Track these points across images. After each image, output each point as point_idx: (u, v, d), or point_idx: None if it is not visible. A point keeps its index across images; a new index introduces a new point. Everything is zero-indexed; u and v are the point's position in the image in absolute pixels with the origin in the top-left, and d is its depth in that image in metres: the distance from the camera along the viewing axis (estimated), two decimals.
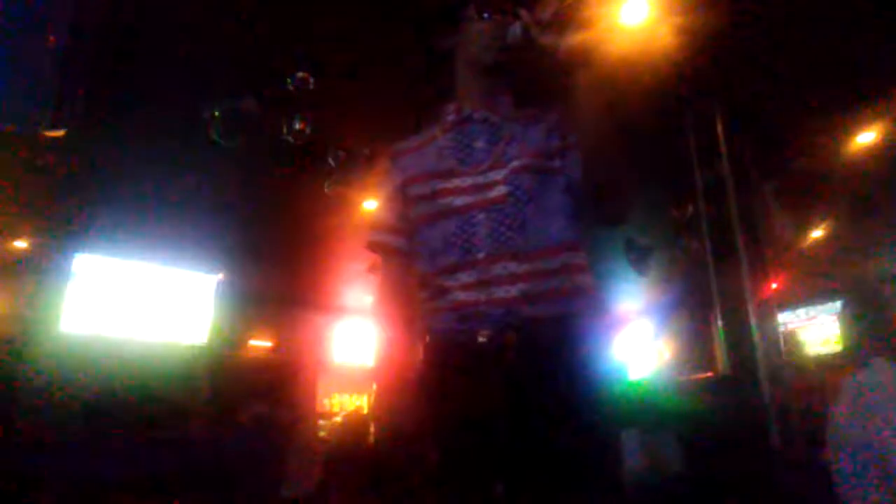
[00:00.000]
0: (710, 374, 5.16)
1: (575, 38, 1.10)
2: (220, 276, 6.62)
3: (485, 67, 1.27)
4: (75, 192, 5.08)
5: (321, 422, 7.10)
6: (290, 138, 3.76)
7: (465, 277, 1.15)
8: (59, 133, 3.19)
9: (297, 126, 3.96)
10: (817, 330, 7.70)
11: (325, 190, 4.14)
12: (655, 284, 7.19)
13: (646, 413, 4.41)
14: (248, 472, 4.39)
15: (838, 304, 7.14)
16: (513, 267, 1.13)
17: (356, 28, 3.56)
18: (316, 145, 3.98)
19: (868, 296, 1.82)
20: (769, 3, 3.63)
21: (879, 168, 5.22)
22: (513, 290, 1.12)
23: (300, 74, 3.55)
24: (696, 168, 4.26)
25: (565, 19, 1.11)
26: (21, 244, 5.95)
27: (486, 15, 1.25)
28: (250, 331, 7.50)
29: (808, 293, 7.37)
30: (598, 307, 1.21)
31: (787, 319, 7.50)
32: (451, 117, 1.28)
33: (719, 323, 4.06)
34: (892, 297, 1.78)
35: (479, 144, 1.23)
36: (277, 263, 6.43)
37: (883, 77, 4.23)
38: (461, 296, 1.15)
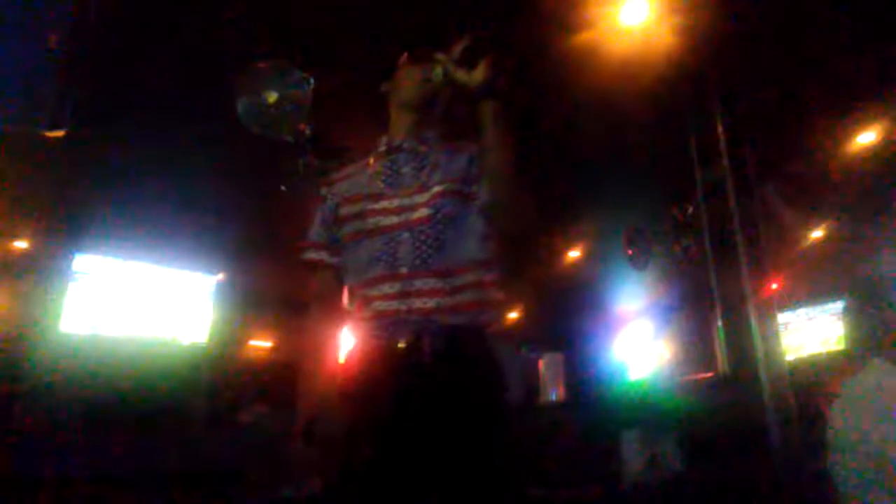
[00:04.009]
0: (710, 374, 5.17)
1: (480, 73, 1.26)
2: (220, 276, 6.62)
3: (412, 105, 1.45)
4: (75, 192, 5.09)
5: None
6: (289, 138, 3.75)
7: (388, 289, 1.29)
8: (59, 133, 3.18)
9: (298, 126, 3.94)
10: (817, 330, 7.70)
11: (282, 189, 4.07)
12: (655, 284, 7.20)
13: (646, 413, 4.42)
14: (248, 472, 4.40)
15: (838, 304, 7.14)
16: (432, 282, 1.27)
17: (361, 25, 3.57)
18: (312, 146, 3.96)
19: (868, 295, 1.81)
20: (769, 4, 3.63)
21: (880, 168, 5.22)
22: (430, 303, 1.26)
23: (261, 70, 3.53)
24: (696, 168, 4.26)
25: (473, 56, 1.27)
26: (21, 244, 5.95)
27: (415, 62, 1.44)
28: (250, 331, 7.51)
29: (808, 293, 7.37)
30: (503, 317, 1.37)
31: (787, 319, 7.50)
32: (382, 147, 1.44)
33: (719, 323, 4.06)
34: (892, 296, 1.78)
35: (406, 170, 1.39)
36: (277, 263, 6.43)
37: (883, 77, 4.23)
38: (384, 305, 1.28)
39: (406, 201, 1.34)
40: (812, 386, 4.15)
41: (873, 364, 1.70)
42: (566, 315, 7.58)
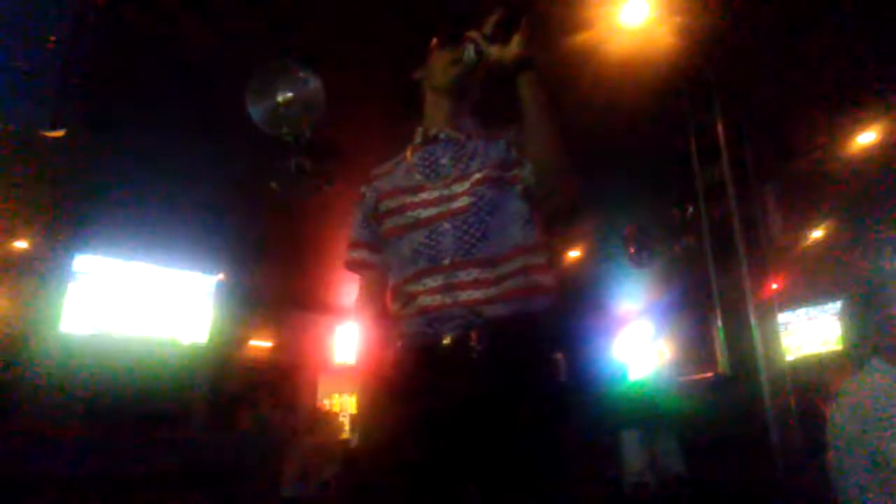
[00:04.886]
0: (710, 374, 5.16)
1: (515, 46, 1.22)
2: (220, 276, 6.62)
3: (447, 90, 1.40)
4: (75, 192, 5.09)
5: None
6: (289, 138, 3.75)
7: (431, 283, 1.24)
8: (59, 133, 3.18)
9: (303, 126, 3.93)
10: (817, 330, 7.70)
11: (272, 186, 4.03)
12: (655, 284, 7.19)
13: (646, 413, 4.41)
14: (248, 472, 4.40)
15: (838, 304, 7.15)
16: (476, 273, 1.22)
17: (361, 25, 3.57)
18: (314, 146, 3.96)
19: (868, 295, 1.81)
20: (769, 4, 3.63)
21: (879, 168, 5.22)
22: (477, 294, 1.21)
23: (300, 74, 3.53)
24: (696, 168, 4.26)
25: (505, 30, 1.23)
26: (21, 244, 5.95)
27: (446, 45, 1.39)
28: (250, 331, 7.51)
29: (808, 293, 7.37)
30: (557, 302, 1.29)
31: (787, 319, 7.50)
32: (418, 139, 1.40)
33: (719, 323, 4.06)
34: (892, 296, 1.78)
35: (444, 161, 1.34)
36: (277, 263, 6.43)
37: (883, 77, 4.23)
38: (428, 300, 1.24)
39: (445, 192, 1.29)
40: (812, 386, 4.15)
41: (873, 364, 1.70)
42: (566, 315, 7.58)
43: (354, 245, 1.43)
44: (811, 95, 4.37)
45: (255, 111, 3.41)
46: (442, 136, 1.37)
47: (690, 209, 4.77)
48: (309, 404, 7.47)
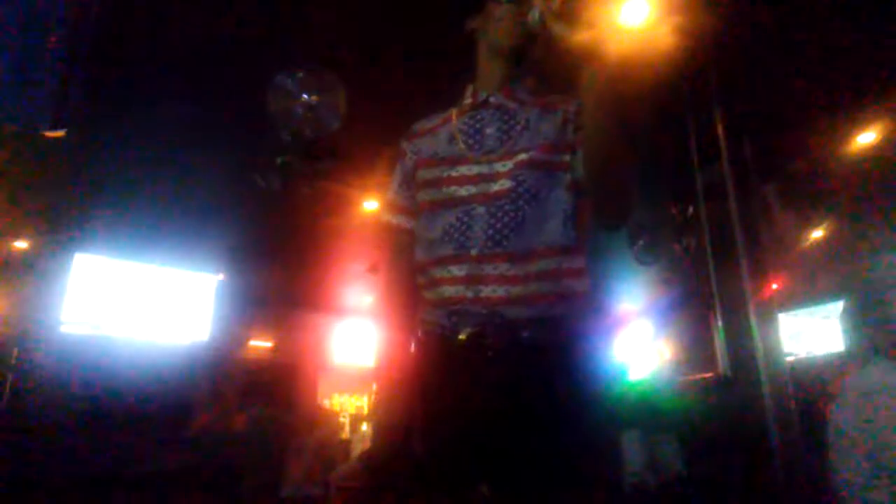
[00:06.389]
0: (710, 374, 5.16)
1: (580, 33, 1.08)
2: (221, 276, 6.62)
3: (504, 51, 1.26)
4: (75, 192, 5.09)
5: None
6: (288, 137, 3.75)
7: (456, 271, 1.15)
8: (59, 133, 3.18)
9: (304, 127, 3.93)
10: (817, 330, 7.70)
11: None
12: (655, 284, 7.19)
13: (646, 413, 4.41)
14: (248, 472, 4.40)
15: (838, 305, 7.13)
16: (503, 268, 1.12)
17: (358, 25, 3.56)
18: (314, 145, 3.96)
19: (869, 296, 1.81)
20: (770, 4, 3.63)
21: (879, 168, 5.22)
22: (500, 291, 1.11)
23: (300, 74, 3.53)
24: (696, 168, 4.26)
25: (573, 10, 1.08)
26: (21, 244, 5.95)
27: None
28: (250, 331, 7.51)
29: (808, 293, 7.36)
30: (589, 311, 1.18)
31: (788, 319, 7.50)
32: (467, 101, 1.29)
33: (719, 323, 4.05)
34: (892, 297, 1.77)
35: (490, 131, 1.22)
36: (277, 263, 6.43)
37: (883, 77, 4.23)
38: (451, 290, 1.15)
39: (486, 169, 1.17)
40: (812, 386, 4.14)
41: (873, 364, 1.70)
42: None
43: (393, 207, 1.31)
44: (811, 95, 4.37)
45: (274, 107, 3.41)
46: (492, 100, 1.24)
47: (690, 209, 4.78)
48: (309, 404, 7.46)
